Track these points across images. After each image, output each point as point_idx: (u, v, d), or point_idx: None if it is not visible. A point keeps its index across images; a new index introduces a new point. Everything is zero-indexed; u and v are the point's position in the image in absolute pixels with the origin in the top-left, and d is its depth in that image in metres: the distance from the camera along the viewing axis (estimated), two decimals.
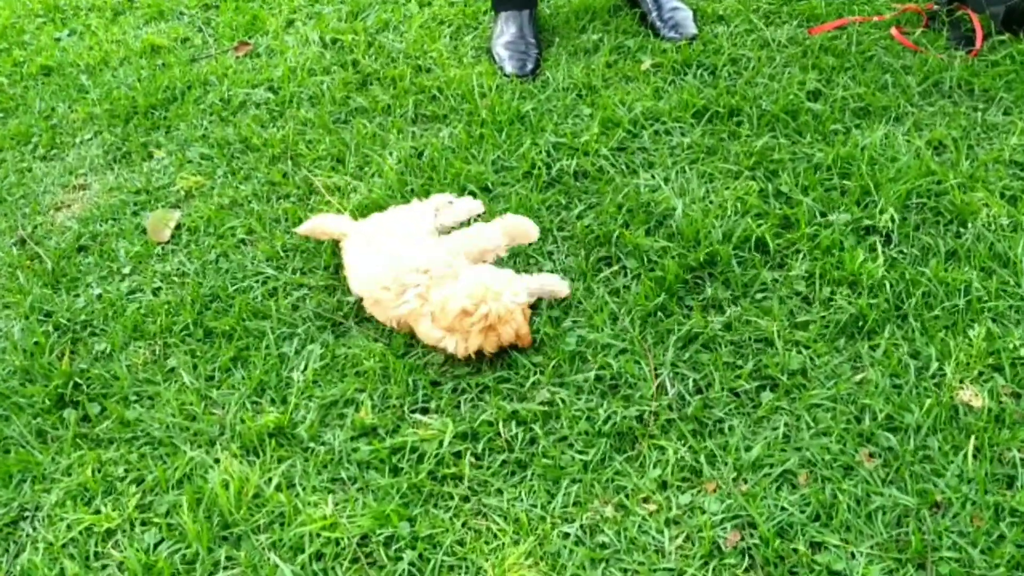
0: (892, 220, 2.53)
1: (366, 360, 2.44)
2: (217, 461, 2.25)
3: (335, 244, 2.81)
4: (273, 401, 2.39)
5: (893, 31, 3.35)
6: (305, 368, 2.46)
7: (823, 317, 2.34)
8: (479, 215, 2.85)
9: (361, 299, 2.57)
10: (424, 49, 3.74)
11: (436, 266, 2.46)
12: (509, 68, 3.51)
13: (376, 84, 3.59)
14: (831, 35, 3.38)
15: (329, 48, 3.86)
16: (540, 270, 2.63)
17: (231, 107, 3.61)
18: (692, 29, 3.53)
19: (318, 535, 2.06)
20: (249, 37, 4.08)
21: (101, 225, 3.12)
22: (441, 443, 2.18)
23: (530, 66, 3.52)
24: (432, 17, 3.95)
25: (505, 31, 3.65)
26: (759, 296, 2.44)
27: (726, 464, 2.06)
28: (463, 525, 2.05)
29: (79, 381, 2.51)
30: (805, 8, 3.57)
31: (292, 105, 3.55)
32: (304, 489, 2.17)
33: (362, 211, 2.90)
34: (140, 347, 2.62)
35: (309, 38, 3.92)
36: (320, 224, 2.80)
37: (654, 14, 3.61)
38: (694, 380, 2.25)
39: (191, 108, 3.64)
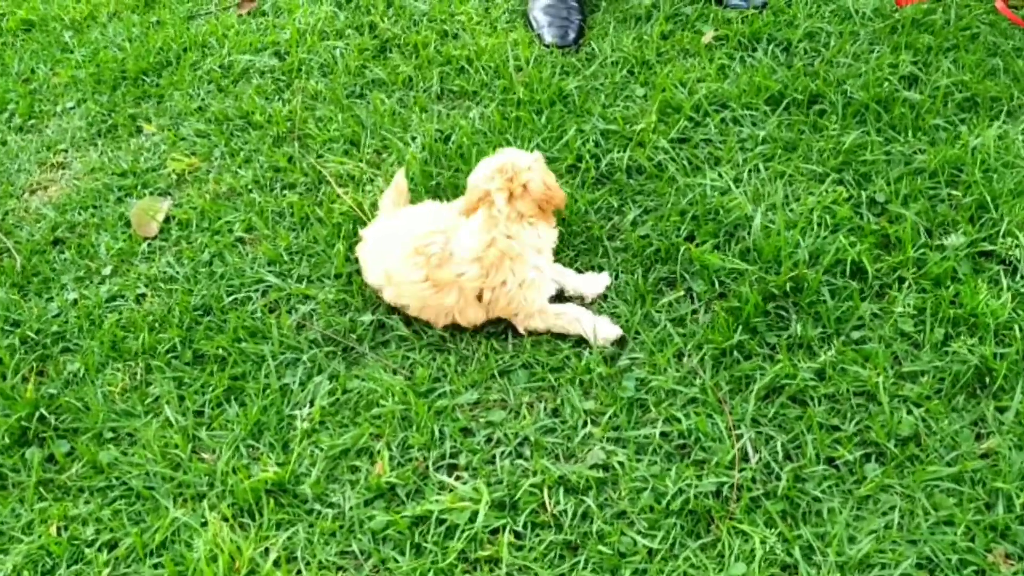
0: (1017, 245, 2.11)
1: (383, 399, 2.05)
2: (204, 524, 1.87)
3: (347, 248, 2.40)
4: (272, 447, 2.01)
5: (998, 4, 2.87)
6: (311, 404, 2.08)
7: (937, 367, 1.93)
8: None
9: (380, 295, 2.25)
10: (451, 11, 3.28)
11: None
12: (548, 37, 3.06)
13: (396, 51, 3.15)
14: (924, 7, 2.90)
15: (343, 8, 3.40)
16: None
17: (232, 75, 3.18)
18: None
19: None
20: None
21: (80, 214, 2.72)
22: (474, 516, 1.80)
23: (572, 35, 3.06)
24: None
25: None
26: (856, 335, 2.03)
27: (826, 559, 1.67)
28: None
29: (46, 413, 2.13)
30: None
31: (300, 75, 3.11)
32: (308, 565, 1.80)
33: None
34: (119, 369, 2.24)
35: None
36: (403, 191, 2.43)
37: None
38: (782, 444, 1.85)
39: (187, 75, 3.20)
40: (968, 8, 2.89)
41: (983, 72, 2.62)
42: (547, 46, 3.04)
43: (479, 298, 2.11)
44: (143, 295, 2.43)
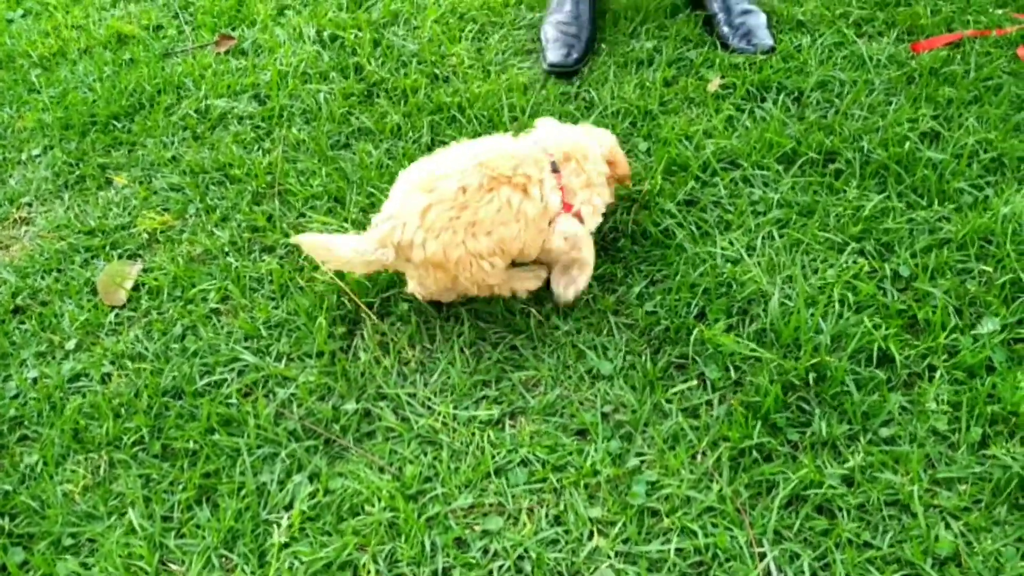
0: None
1: (368, 503, 1.87)
2: None
3: (330, 322, 2.23)
4: (247, 558, 1.82)
5: (1020, 51, 2.73)
6: (290, 507, 1.90)
7: (975, 474, 1.77)
8: None
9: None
10: (441, 52, 3.11)
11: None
12: (551, 55, 2.95)
13: (383, 96, 2.97)
14: (942, 55, 2.75)
15: (328, 47, 3.22)
16: (593, 374, 2.06)
17: (209, 120, 2.99)
18: (768, 40, 2.90)
19: None
20: (233, 28, 3.43)
21: (43, 278, 2.53)
22: None
23: (575, 55, 2.94)
24: (451, 9, 3.31)
25: (558, 9, 3.06)
26: (885, 433, 1.86)
27: None
28: None
29: None
30: (905, 15, 2.93)
31: (282, 121, 2.93)
32: None
33: (366, 278, 2.31)
34: (80, 462, 2.05)
35: (304, 33, 3.28)
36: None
37: (721, 17, 2.98)
38: (809, 563, 1.68)
39: (160, 120, 3.02)
40: (989, 56, 2.74)
41: (1008, 129, 2.47)
42: (548, 66, 2.92)
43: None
44: (109, 375, 2.24)
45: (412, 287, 2.18)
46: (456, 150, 2.14)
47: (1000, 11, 2.92)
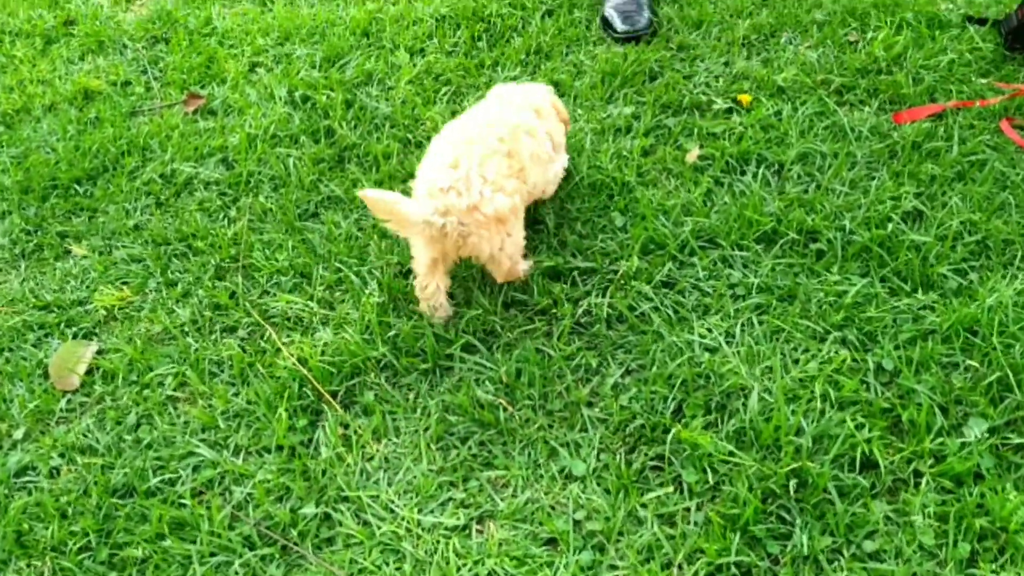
0: None
1: None
2: None
3: (291, 413, 2.13)
4: None
5: (1003, 124, 2.67)
6: None
7: None
8: None
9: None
10: (414, 115, 3.03)
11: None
12: (620, 27, 3.26)
13: (354, 163, 2.89)
14: (924, 127, 2.69)
15: (299, 108, 3.14)
16: (565, 474, 1.97)
17: (174, 186, 2.90)
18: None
19: None
20: (203, 86, 3.35)
21: None
22: None
23: (642, 22, 3.26)
24: (426, 70, 3.24)
25: None
26: (869, 547, 1.77)
27: None
28: None
29: None
30: (887, 84, 2.88)
31: (250, 188, 2.84)
32: None
33: (330, 364, 2.21)
34: (21, 570, 1.94)
35: (275, 93, 3.20)
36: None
37: None
38: None
39: (124, 184, 2.92)
40: (972, 128, 2.68)
41: (993, 209, 2.40)
42: (619, 35, 3.24)
43: None
44: (57, 469, 2.13)
45: (424, 280, 2.24)
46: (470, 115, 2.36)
47: (983, 80, 2.87)
